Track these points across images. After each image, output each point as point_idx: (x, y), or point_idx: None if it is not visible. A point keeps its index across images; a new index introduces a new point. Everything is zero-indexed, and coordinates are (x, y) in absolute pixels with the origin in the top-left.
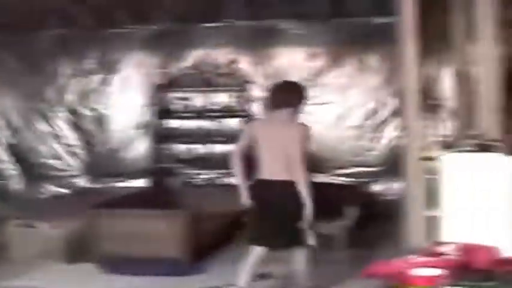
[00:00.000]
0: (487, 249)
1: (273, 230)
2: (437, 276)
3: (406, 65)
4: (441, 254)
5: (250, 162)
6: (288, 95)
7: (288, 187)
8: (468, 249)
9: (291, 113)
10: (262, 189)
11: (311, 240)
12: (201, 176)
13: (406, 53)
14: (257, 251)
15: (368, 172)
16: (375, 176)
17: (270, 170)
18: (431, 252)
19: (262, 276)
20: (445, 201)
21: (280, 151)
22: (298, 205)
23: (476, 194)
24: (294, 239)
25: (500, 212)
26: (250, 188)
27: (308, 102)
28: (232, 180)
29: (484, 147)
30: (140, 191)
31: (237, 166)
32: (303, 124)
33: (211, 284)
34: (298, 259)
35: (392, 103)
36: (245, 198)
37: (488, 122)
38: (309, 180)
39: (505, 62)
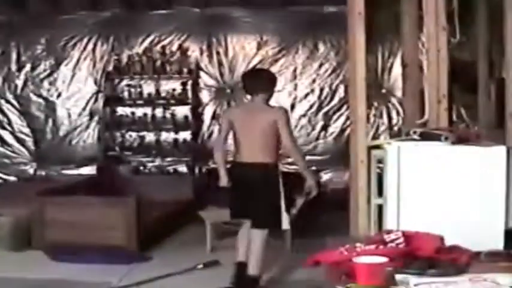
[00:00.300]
0: (432, 238)
1: (250, 210)
2: (382, 264)
3: (354, 54)
4: (386, 242)
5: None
6: (262, 81)
7: (265, 169)
8: (413, 237)
9: (266, 98)
10: (240, 171)
11: (286, 224)
12: (151, 164)
13: (354, 41)
14: (245, 224)
15: (317, 160)
16: (325, 165)
17: (248, 153)
18: (376, 240)
19: (208, 264)
20: (390, 189)
21: (258, 135)
22: (275, 187)
23: (421, 182)
24: (270, 221)
25: (445, 201)
26: (229, 169)
27: None
28: (182, 168)
29: (429, 136)
30: (89, 179)
31: (219, 154)
32: (280, 107)
33: (157, 272)
34: (255, 245)
35: (342, 92)
36: (224, 182)
37: (435, 110)
38: (304, 158)
39: (454, 52)
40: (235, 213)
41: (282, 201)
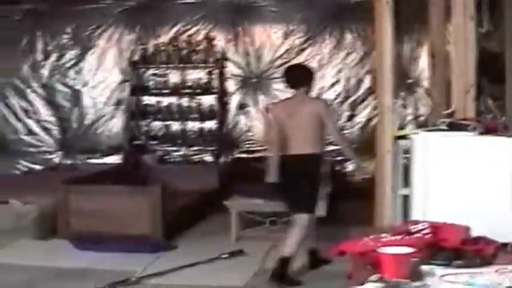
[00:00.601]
0: (458, 228)
1: (293, 198)
2: (408, 254)
3: (382, 43)
4: (412, 232)
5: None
6: (303, 75)
7: (309, 160)
8: (439, 228)
9: (306, 92)
10: (289, 163)
11: (321, 211)
12: (176, 153)
13: (381, 31)
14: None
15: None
16: None
17: (296, 145)
18: (402, 231)
19: (233, 253)
20: (416, 180)
21: (304, 126)
22: (317, 176)
23: (447, 173)
24: (308, 207)
25: (472, 191)
26: (279, 161)
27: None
28: (207, 158)
29: (457, 126)
30: (114, 168)
31: (273, 151)
32: (320, 99)
33: (182, 261)
34: (295, 228)
35: (368, 81)
36: (273, 177)
37: (462, 101)
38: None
39: (482, 42)
40: (289, 205)
41: (321, 189)
